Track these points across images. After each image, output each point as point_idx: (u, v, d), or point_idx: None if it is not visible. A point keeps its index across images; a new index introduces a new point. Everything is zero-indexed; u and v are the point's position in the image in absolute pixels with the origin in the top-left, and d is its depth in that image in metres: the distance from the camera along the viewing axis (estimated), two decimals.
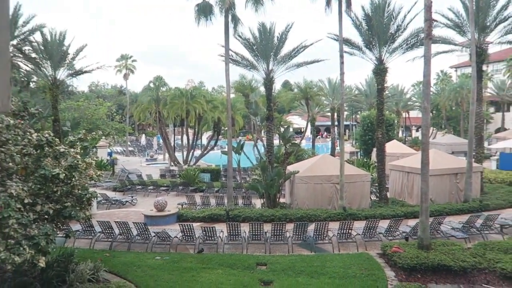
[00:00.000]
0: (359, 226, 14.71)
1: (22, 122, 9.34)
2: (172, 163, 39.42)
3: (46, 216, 8.86)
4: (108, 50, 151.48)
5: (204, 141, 48.70)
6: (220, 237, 14.15)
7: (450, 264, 11.02)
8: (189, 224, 14.12)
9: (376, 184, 21.45)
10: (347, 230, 13.94)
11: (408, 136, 62.72)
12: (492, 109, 59.03)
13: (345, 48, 20.19)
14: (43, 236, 7.73)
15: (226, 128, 23.53)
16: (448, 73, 70.83)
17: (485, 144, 34.16)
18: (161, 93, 41.89)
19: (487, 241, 13.28)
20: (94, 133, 18.80)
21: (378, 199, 20.67)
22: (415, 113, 61.76)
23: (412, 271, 11.21)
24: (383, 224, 14.88)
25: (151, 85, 42.13)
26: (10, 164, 8.39)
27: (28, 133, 9.10)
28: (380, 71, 20.40)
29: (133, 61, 61.47)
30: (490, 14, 21.61)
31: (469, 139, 20.45)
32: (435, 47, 24.07)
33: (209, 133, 46.72)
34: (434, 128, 56.21)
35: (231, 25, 19.23)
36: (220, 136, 43.34)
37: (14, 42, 24.33)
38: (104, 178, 28.43)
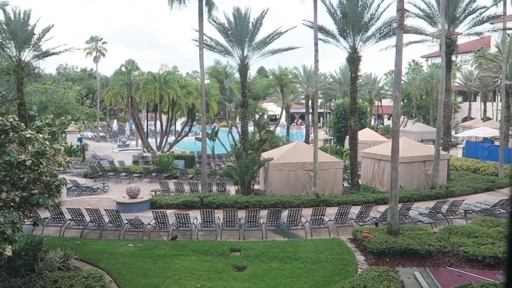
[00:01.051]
0: (331, 212, 15.01)
1: None
2: (145, 150, 38.80)
3: (12, 204, 8.57)
4: (78, 32, 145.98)
5: (178, 127, 48.11)
6: (194, 224, 14.13)
7: (417, 248, 11.44)
8: (163, 211, 14.01)
9: (349, 171, 21.87)
10: (320, 216, 14.20)
11: (380, 124, 64.06)
12: (459, 99, 61.01)
13: (320, 35, 20.24)
14: (9, 224, 7.47)
15: (201, 114, 23.29)
16: (419, 63, 72.44)
17: (453, 132, 35.35)
18: (134, 78, 40.86)
19: (452, 226, 13.85)
20: (63, 117, 18.13)
21: (350, 185, 21.10)
22: (387, 102, 63.06)
23: (381, 255, 11.58)
24: (355, 210, 15.24)
25: (123, 69, 40.95)
26: None
27: None
28: (353, 59, 20.62)
29: (103, 43, 59.53)
30: (460, 5, 22.13)
31: (437, 128, 21.09)
32: (407, 37, 24.53)
33: (183, 119, 46.19)
34: (405, 117, 57.65)
35: (205, 9, 18.89)
36: (194, 122, 42.91)
37: None
38: (74, 165, 27.67)
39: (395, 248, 11.55)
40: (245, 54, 21.72)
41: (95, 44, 58.65)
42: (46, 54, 24.39)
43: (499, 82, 34.01)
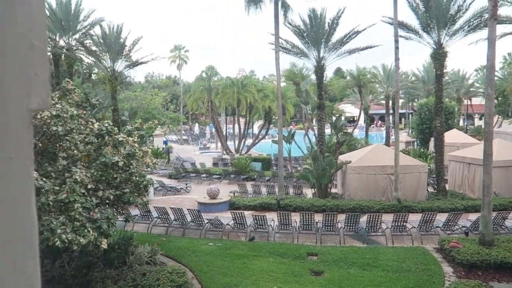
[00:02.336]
0: (414, 219, 14.15)
1: (84, 112, 9.95)
2: (224, 152, 40.17)
3: (107, 201, 9.43)
4: (161, 41, 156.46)
5: (255, 130, 49.06)
6: (271, 225, 14.26)
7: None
8: (241, 212, 14.37)
9: (434, 176, 20.43)
10: (402, 223, 13.46)
11: (470, 125, 58.95)
12: None
13: (401, 32, 19.26)
14: (105, 220, 8.22)
15: (277, 117, 23.51)
16: None
17: None
18: (213, 83, 42.61)
19: None
20: (150, 122, 19.56)
21: (435, 191, 19.70)
22: (478, 100, 57.74)
23: (472, 268, 10.63)
24: (441, 218, 14.18)
25: (203, 75, 42.89)
26: (75, 151, 8.99)
27: (90, 123, 9.69)
28: (438, 55, 19.25)
29: (186, 51, 63.02)
30: None
31: None
32: (501, 28, 22.21)
33: (260, 122, 46.96)
34: (500, 116, 52.27)
35: (280, 13, 19.03)
36: (271, 125, 43.40)
37: (77, 36, 25.86)
38: (160, 166, 29.52)
39: (489, 261, 10.52)
40: (321, 55, 21.45)
41: (178, 52, 62.29)
42: (136, 63, 26.50)
43: None
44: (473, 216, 14.70)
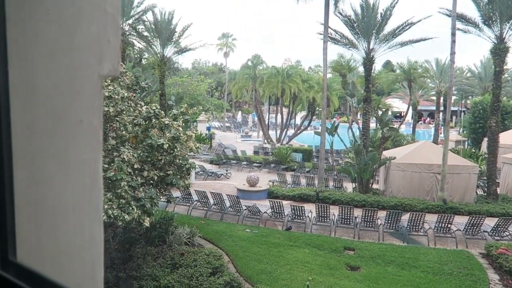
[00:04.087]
0: (460, 221, 13.55)
1: (134, 95, 10.31)
2: (265, 141, 40.28)
3: (151, 182, 9.77)
4: (209, 29, 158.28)
5: (298, 120, 48.71)
6: (308, 217, 14.20)
7: None
8: (279, 201, 14.41)
9: (485, 178, 19.38)
10: (446, 224, 12.92)
11: None
12: None
13: (458, 24, 18.24)
14: (148, 199, 8.54)
15: (321, 109, 23.17)
16: None
17: None
18: (258, 72, 42.62)
19: None
20: (195, 108, 19.89)
21: (485, 194, 18.69)
22: None
23: None
24: (490, 223, 13.46)
25: (249, 63, 42.97)
26: (124, 132, 9.37)
27: (139, 105, 10.03)
28: (499, 50, 18.06)
29: (233, 39, 63.47)
30: None
31: None
32: None
33: (303, 113, 46.54)
34: None
35: (331, 2, 18.59)
36: (314, 117, 42.89)
37: (130, 21, 26.70)
38: (202, 151, 30.10)
39: None
40: (371, 46, 20.78)
41: (226, 40, 62.82)
42: (184, 50, 27.03)
43: None
44: None
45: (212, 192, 15.37)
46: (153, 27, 25.73)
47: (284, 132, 40.74)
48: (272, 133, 43.56)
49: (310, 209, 14.84)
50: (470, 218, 13.00)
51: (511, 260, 10.38)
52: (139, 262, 9.60)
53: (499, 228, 12.88)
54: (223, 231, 13.11)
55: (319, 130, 20.42)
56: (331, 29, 20.47)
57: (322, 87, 19.68)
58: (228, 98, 65.11)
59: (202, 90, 44.15)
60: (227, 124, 60.63)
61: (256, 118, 47.34)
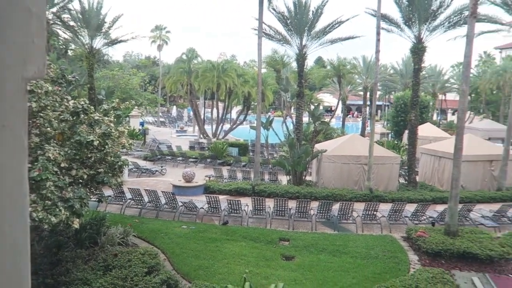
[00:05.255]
0: (385, 208, 14.60)
1: (59, 89, 9.68)
2: (201, 136, 39.95)
3: (81, 181, 9.28)
4: (142, 21, 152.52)
5: (234, 115, 48.92)
6: (245, 210, 14.41)
7: (476, 252, 10.83)
8: (216, 196, 14.45)
9: (406, 167, 21.05)
10: (372, 212, 13.87)
11: (443, 119, 60.54)
12: None
13: (383, 24, 19.49)
14: (78, 199, 8.12)
15: (256, 103, 23.50)
16: (491, 55, 67.09)
17: None
18: (193, 66, 42.03)
19: None
20: (127, 102, 19.14)
21: (406, 182, 20.32)
22: (452, 96, 59.25)
23: (436, 257, 11.10)
24: (410, 208, 14.69)
25: (184, 57, 42.17)
26: (48, 129, 8.78)
27: (65, 100, 9.44)
28: (418, 50, 19.63)
29: (167, 32, 61.77)
30: None
31: (508, 126, 19.57)
32: (479, 26, 22.79)
33: (239, 107, 46.83)
34: (472, 112, 53.88)
35: None
36: (249, 111, 43.36)
37: (54, 9, 24.88)
38: (136, 147, 29.19)
39: (452, 251, 11.01)
40: (303, 43, 21.48)
41: (159, 32, 60.99)
42: (115, 41, 25.82)
43: None
44: (440, 208, 15.28)
45: (147, 190, 14.98)
46: (80, 16, 24.24)
47: (220, 127, 40.71)
48: (208, 128, 43.31)
49: (247, 202, 15.07)
50: (393, 205, 14.08)
51: (428, 242, 11.43)
52: (68, 266, 9.10)
53: (417, 213, 14.09)
54: (158, 229, 12.86)
55: (255, 125, 20.73)
56: (266, 24, 20.83)
57: (257, 82, 19.96)
58: (162, 93, 63.43)
59: (134, 84, 42.51)
60: (161, 119, 59.13)
61: (191, 113, 46.74)
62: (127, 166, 11.17)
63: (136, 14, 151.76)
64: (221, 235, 12.50)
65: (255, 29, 19.40)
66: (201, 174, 21.36)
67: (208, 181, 19.58)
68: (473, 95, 51.65)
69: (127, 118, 38.23)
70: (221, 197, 15.84)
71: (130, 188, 15.10)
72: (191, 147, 31.89)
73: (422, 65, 20.58)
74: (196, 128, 42.97)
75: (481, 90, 49.12)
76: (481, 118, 51.11)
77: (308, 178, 20.77)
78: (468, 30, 12.34)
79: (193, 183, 17.96)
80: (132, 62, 75.39)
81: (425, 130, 28.63)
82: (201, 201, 15.13)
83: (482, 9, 20.91)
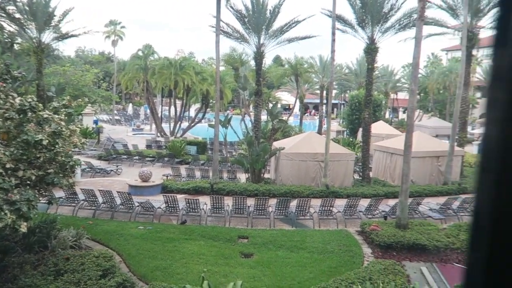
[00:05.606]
0: (340, 203, 15.03)
1: (4, 85, 9.13)
2: (158, 134, 39.17)
3: (29, 182, 8.82)
4: (96, 15, 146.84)
5: (192, 113, 48.36)
6: (203, 209, 14.32)
7: (425, 243, 11.43)
8: (173, 196, 14.24)
9: (360, 164, 21.78)
10: (329, 207, 14.24)
11: (395, 117, 63.25)
12: (478, 94, 59.67)
13: (338, 25, 20.05)
14: (25, 202, 7.70)
15: (215, 101, 23.40)
16: (438, 56, 70.90)
17: (469, 128, 34.72)
18: (150, 62, 41.06)
19: (462, 223, 13.76)
20: (80, 100, 18.46)
21: (361, 178, 21.03)
22: (403, 95, 62.01)
23: (388, 249, 11.59)
24: (364, 203, 15.22)
25: (140, 53, 41.05)
26: None
27: (10, 97, 8.92)
28: (371, 50, 20.35)
29: (122, 27, 59.84)
30: None
31: (453, 123, 20.77)
32: (427, 29, 24.11)
33: (197, 105, 46.34)
34: (421, 111, 56.75)
35: None
36: (208, 109, 43.04)
37: None
38: (89, 146, 28.17)
39: (403, 243, 11.54)
40: (261, 41, 21.63)
41: (114, 28, 58.99)
42: (65, 36, 24.71)
43: None
44: (392, 202, 15.97)
45: (101, 190, 14.48)
46: (27, 8, 22.95)
47: (178, 125, 40.11)
48: (165, 126, 42.55)
49: (205, 201, 14.97)
50: (348, 200, 14.54)
51: (381, 235, 11.91)
52: (16, 272, 8.62)
53: (371, 208, 14.64)
54: (114, 230, 12.48)
55: (213, 123, 20.63)
56: (224, 22, 20.76)
57: (215, 79, 19.87)
58: (117, 90, 61.50)
59: (87, 81, 40.93)
60: (117, 117, 57.35)
61: (148, 111, 45.71)
62: (79, 166, 10.75)
63: (90, 8, 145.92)
64: (179, 235, 12.35)
65: (213, 26, 19.29)
66: (159, 173, 20.95)
67: (165, 180, 19.26)
68: (422, 94, 54.41)
69: (80, 116, 36.78)
70: (179, 196, 15.63)
71: (83, 189, 14.54)
72: (148, 146, 31.20)
73: (375, 65, 21.38)
74: (153, 126, 42.07)
75: (429, 89, 51.82)
76: (429, 116, 53.96)
77: (266, 175, 20.96)
78: (416, 32, 12.95)
79: (150, 182, 17.59)
80: (85, 58, 72.39)
81: (378, 127, 29.76)
82: (158, 200, 14.85)
83: (430, 13, 21.98)
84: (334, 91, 55.41)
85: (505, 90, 0.55)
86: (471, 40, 21.80)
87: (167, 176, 20.41)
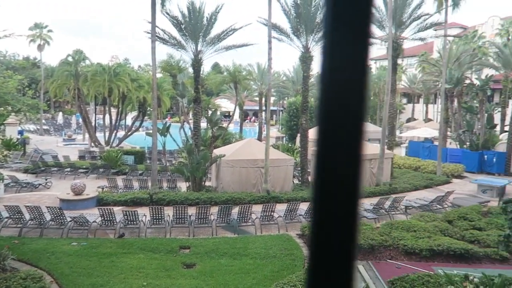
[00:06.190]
0: (281, 208, 15.29)
1: None
2: (92, 144, 37.23)
3: None
4: (21, 18, 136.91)
5: (129, 121, 46.67)
6: (142, 221, 13.82)
7: (360, 243, 11.97)
8: (110, 208, 13.61)
9: (299, 168, 22.36)
10: (270, 213, 14.42)
11: None
12: (404, 100, 64.23)
13: (274, 34, 20.48)
14: None
15: (152, 109, 22.77)
16: (368, 65, 75.16)
17: (397, 132, 37.18)
18: (81, 68, 39.02)
19: (393, 221, 14.62)
20: (2, 109, 16.97)
21: (300, 182, 21.59)
22: None
23: None
24: (304, 207, 15.62)
25: (70, 58, 38.85)
26: None
27: None
28: (306, 58, 21.07)
29: (49, 31, 56.30)
30: (406, 11, 23.33)
31: (383, 128, 22.12)
32: None
33: (134, 113, 44.82)
34: None
35: (158, 0, 18.44)
36: (145, 117, 41.82)
37: None
38: (13, 159, 26.06)
39: None
40: (199, 48, 21.48)
41: (40, 31, 55.33)
42: None
43: (439, 86, 36.17)
44: None
45: (28, 206, 13.42)
46: None
47: (113, 134, 38.46)
48: (100, 135, 40.62)
49: (144, 212, 14.45)
50: (289, 204, 14.84)
51: None
52: None
53: (310, 211, 15.03)
54: (43, 248, 11.61)
55: (151, 131, 20.05)
56: (160, 28, 20.34)
57: (152, 87, 19.37)
58: (45, 98, 57.66)
59: (10, 88, 37.77)
60: (45, 127, 53.74)
61: (80, 120, 43.33)
62: (2, 181, 9.86)
63: (14, 11, 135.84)
64: (117, 249, 11.79)
65: (149, 32, 18.82)
66: (93, 186, 19.87)
67: (101, 192, 18.32)
68: None
69: (2, 127, 33.85)
70: (116, 208, 14.94)
71: (7, 206, 13.37)
72: (81, 157, 29.50)
73: (311, 72, 22.17)
74: (87, 136, 39.94)
75: None
76: None
77: (207, 183, 20.76)
78: None
79: (83, 195, 16.63)
80: (7, 63, 67.00)
81: (315, 133, 30.78)
82: (93, 214, 14.08)
83: None
84: (272, 98, 56.54)
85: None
86: (396, 50, 23.46)
87: (102, 188, 19.43)
